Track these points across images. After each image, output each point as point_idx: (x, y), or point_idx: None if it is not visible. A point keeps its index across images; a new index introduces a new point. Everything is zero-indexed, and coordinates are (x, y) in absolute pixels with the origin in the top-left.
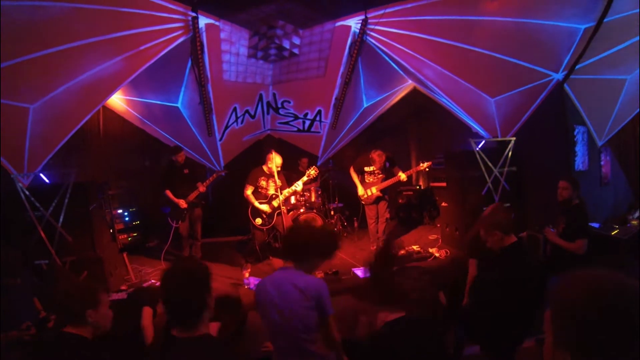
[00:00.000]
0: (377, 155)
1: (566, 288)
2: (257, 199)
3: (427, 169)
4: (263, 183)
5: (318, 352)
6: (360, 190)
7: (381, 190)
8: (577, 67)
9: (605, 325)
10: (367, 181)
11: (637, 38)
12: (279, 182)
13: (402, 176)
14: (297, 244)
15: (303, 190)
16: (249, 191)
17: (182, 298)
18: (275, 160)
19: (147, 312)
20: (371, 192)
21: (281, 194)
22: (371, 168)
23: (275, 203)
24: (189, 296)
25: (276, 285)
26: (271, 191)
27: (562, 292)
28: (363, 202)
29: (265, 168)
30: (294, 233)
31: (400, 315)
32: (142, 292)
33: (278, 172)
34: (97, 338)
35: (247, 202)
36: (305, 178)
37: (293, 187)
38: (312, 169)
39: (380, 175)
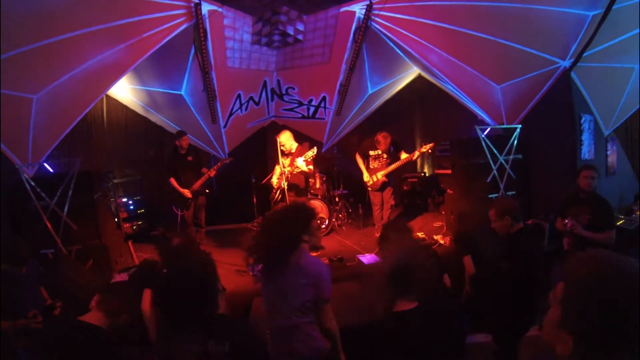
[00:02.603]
0: (382, 137)
1: (584, 266)
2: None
3: (429, 151)
4: (281, 160)
5: (313, 335)
6: (366, 177)
7: (386, 176)
8: (584, 54)
9: (616, 313)
10: (372, 167)
11: None
12: (287, 163)
13: (404, 155)
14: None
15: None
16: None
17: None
18: (280, 139)
19: (147, 294)
20: (377, 177)
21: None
22: (376, 152)
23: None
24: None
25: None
26: (280, 169)
27: (579, 269)
28: (369, 188)
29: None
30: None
31: (410, 305)
32: (143, 272)
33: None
34: (112, 328)
35: (252, 189)
36: (302, 158)
37: (289, 168)
38: (311, 150)
39: (385, 161)
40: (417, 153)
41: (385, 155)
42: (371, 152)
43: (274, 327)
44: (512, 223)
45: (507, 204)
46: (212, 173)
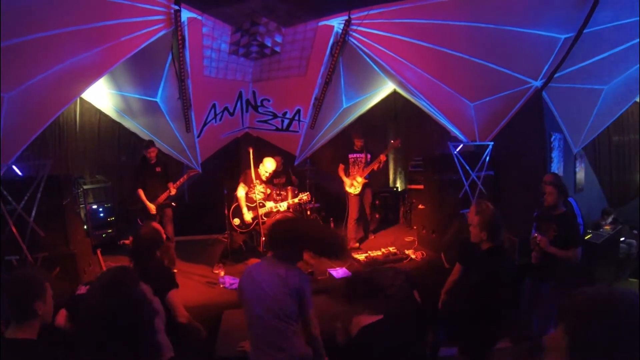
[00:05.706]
0: (353, 135)
1: (592, 306)
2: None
3: (399, 145)
4: (256, 184)
5: (296, 344)
6: (348, 183)
7: (366, 178)
8: (555, 75)
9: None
10: (351, 173)
11: (616, 50)
12: (268, 190)
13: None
14: (282, 235)
15: (279, 190)
16: (242, 192)
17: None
18: (265, 166)
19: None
20: (357, 182)
21: (268, 201)
22: (354, 155)
23: (261, 211)
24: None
25: (259, 273)
26: (258, 196)
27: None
28: (353, 194)
29: (261, 171)
30: (281, 224)
31: (376, 318)
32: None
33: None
34: (44, 336)
35: (224, 200)
36: (296, 200)
37: (278, 205)
38: (304, 194)
39: (363, 165)
40: (387, 150)
41: (363, 160)
42: (350, 156)
43: (256, 335)
44: (486, 238)
45: (492, 220)
46: (173, 191)
